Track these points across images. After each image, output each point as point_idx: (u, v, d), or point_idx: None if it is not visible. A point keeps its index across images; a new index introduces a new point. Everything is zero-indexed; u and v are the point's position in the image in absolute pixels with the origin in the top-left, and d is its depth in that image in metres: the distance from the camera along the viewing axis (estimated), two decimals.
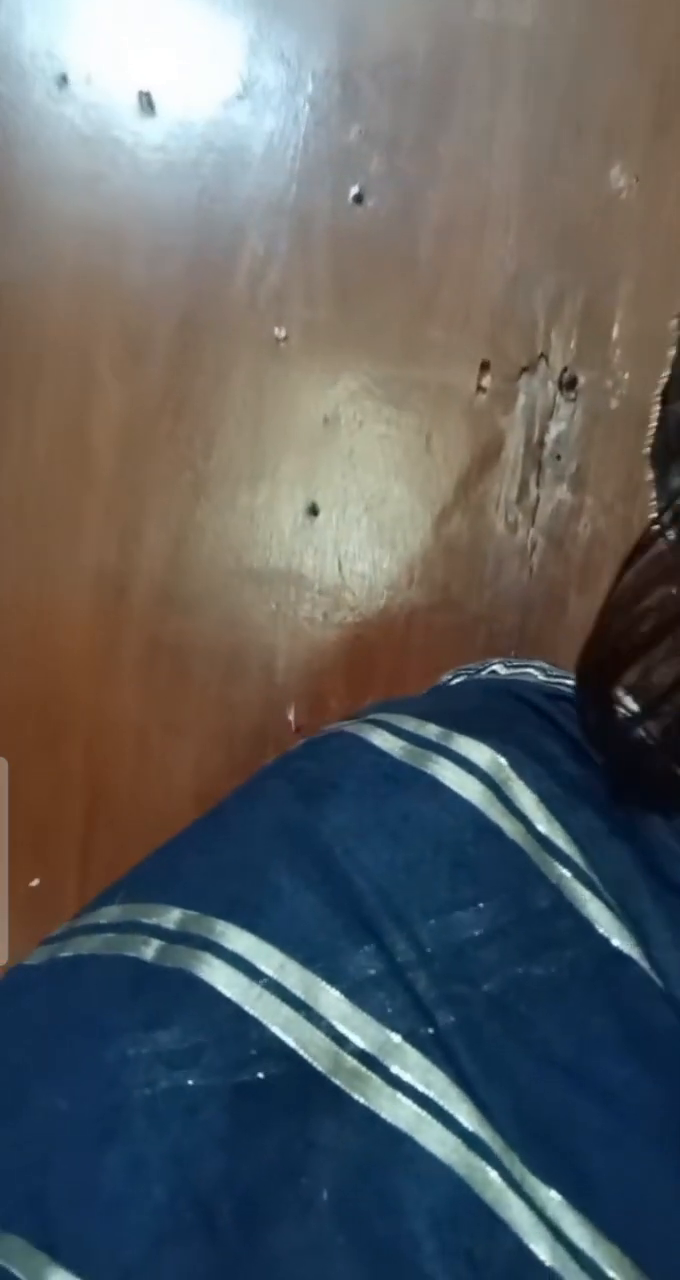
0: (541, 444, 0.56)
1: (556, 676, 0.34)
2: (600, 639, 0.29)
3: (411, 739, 0.28)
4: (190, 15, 0.54)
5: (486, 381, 0.54)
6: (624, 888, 0.26)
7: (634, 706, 0.29)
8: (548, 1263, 0.21)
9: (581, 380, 0.55)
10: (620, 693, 0.29)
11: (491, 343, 0.54)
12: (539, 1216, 0.22)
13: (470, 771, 0.27)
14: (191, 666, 0.59)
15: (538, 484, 0.56)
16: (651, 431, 0.29)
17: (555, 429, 0.56)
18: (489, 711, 0.30)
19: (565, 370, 0.55)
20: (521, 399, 0.55)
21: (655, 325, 0.55)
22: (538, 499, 0.56)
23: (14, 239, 0.56)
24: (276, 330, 0.55)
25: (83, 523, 0.59)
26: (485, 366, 0.54)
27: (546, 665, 0.35)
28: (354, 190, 0.54)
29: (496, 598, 0.55)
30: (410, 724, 0.29)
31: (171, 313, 0.56)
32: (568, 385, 0.55)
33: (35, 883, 0.63)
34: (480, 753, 0.28)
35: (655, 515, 0.29)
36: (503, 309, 0.54)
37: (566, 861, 0.26)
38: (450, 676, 0.38)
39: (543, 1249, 0.22)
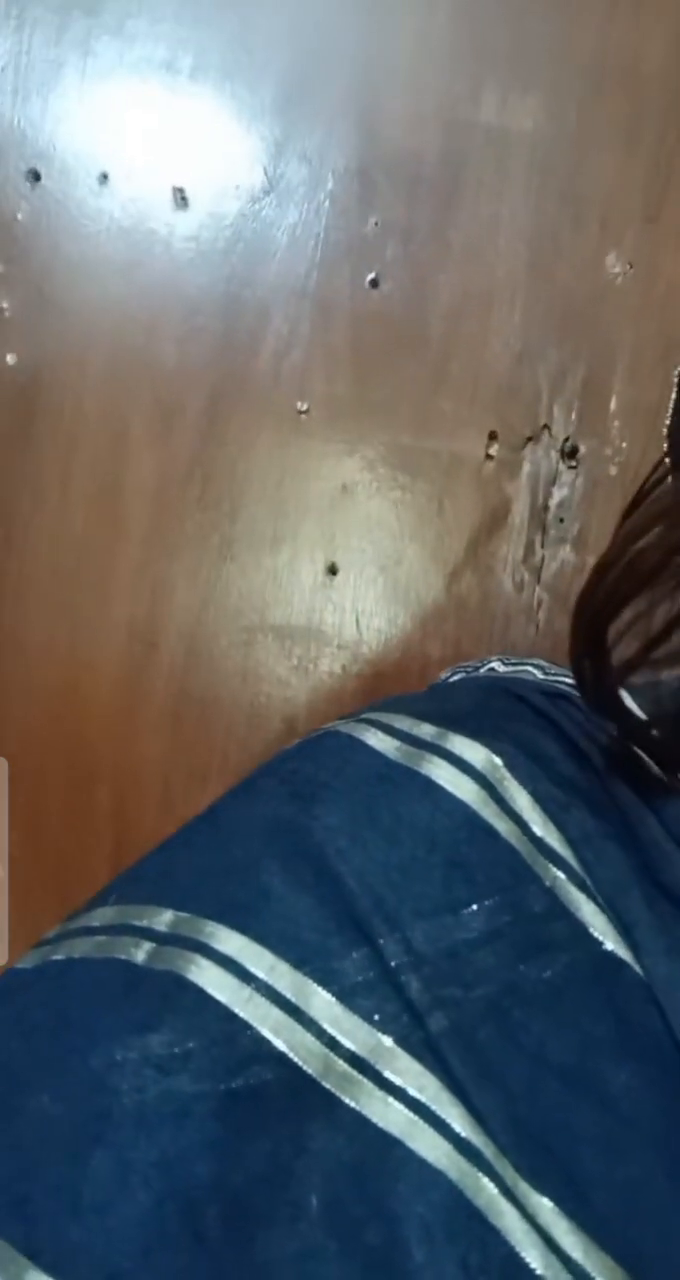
0: (546, 508, 0.60)
1: (555, 674, 0.33)
2: (597, 581, 0.28)
3: (406, 738, 0.28)
4: (221, 118, 0.59)
5: (494, 450, 0.58)
6: (617, 892, 0.25)
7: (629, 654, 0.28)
8: (539, 1271, 0.21)
9: (582, 449, 0.59)
10: (619, 653, 0.28)
11: (498, 415, 0.58)
12: (531, 1224, 0.21)
13: (465, 771, 0.27)
14: (216, 717, 0.62)
15: (542, 545, 0.60)
16: (671, 410, 0.29)
17: (558, 494, 0.60)
18: (485, 710, 0.29)
19: (567, 440, 0.59)
20: (527, 466, 0.59)
21: (650, 398, 0.59)
22: (543, 559, 0.60)
23: (56, 321, 0.61)
24: (298, 404, 0.59)
25: (115, 581, 0.63)
26: (493, 436, 0.58)
27: (545, 663, 0.34)
28: (371, 276, 0.58)
29: (505, 652, 0.58)
30: (404, 723, 0.28)
31: (201, 388, 0.60)
32: (570, 454, 0.59)
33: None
34: (475, 752, 0.27)
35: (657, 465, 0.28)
36: (509, 383, 0.58)
37: (561, 864, 0.26)
38: (449, 674, 0.37)
39: (534, 1257, 0.21)
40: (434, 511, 0.59)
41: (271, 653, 0.61)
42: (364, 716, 0.29)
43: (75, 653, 0.64)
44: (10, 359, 0.61)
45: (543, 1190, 0.22)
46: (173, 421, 0.61)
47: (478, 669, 0.37)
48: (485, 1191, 0.22)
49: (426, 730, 0.28)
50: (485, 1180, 0.22)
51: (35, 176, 0.60)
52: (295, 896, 0.24)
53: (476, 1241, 0.21)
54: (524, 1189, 0.22)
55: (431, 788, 0.26)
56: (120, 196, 0.60)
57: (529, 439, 0.59)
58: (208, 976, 0.23)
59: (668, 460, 0.29)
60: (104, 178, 0.60)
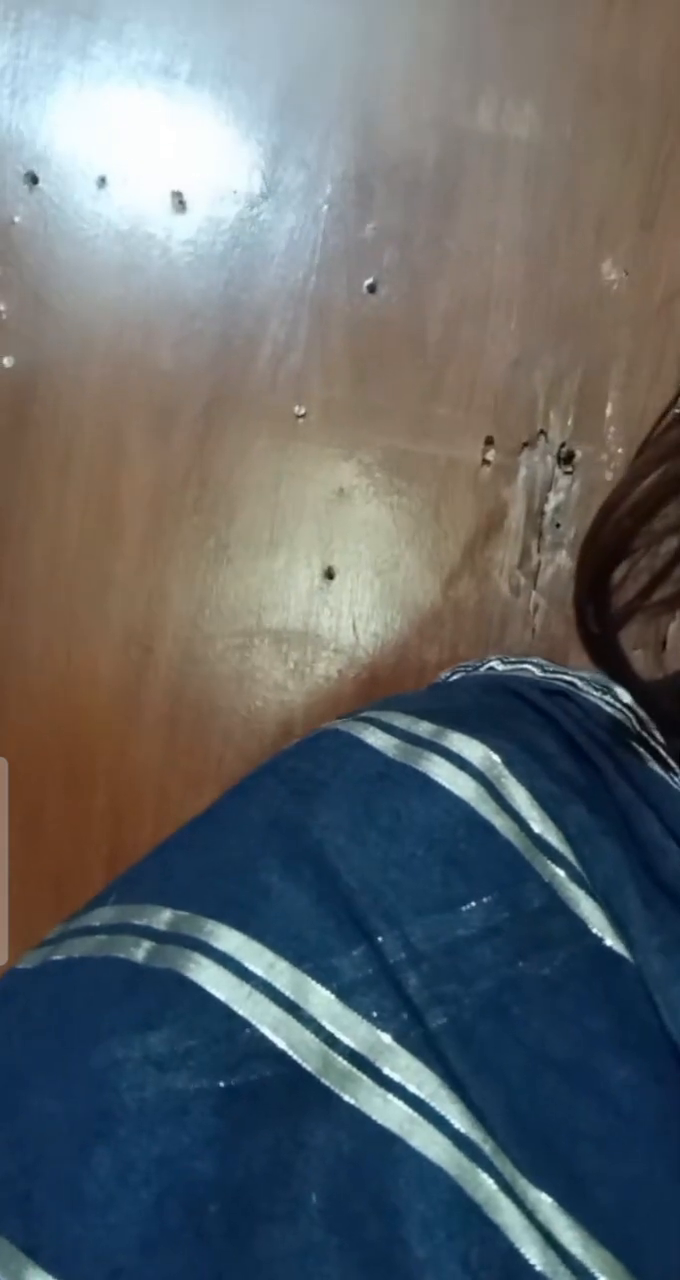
0: (542, 513, 0.60)
1: (553, 672, 0.33)
2: (602, 521, 0.28)
3: (404, 736, 0.28)
4: (219, 123, 0.59)
5: (490, 455, 0.59)
6: (612, 888, 0.25)
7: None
8: (539, 1267, 0.21)
9: (578, 454, 0.60)
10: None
11: (495, 420, 0.59)
12: (530, 1220, 0.21)
13: (463, 768, 0.27)
14: (212, 722, 0.62)
15: (539, 550, 0.60)
16: None
17: (554, 499, 0.60)
18: (484, 708, 0.30)
19: (563, 445, 0.59)
20: (523, 472, 0.59)
21: (645, 404, 0.59)
22: (539, 564, 0.60)
23: (53, 325, 0.61)
24: (296, 409, 0.60)
25: (112, 586, 0.62)
26: (489, 442, 0.59)
27: (544, 661, 0.35)
28: (368, 281, 0.59)
29: (504, 651, 0.58)
30: (403, 721, 0.28)
31: (198, 393, 0.60)
32: (566, 459, 0.60)
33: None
34: (473, 749, 0.27)
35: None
36: (505, 389, 0.59)
37: (560, 860, 0.26)
38: (449, 674, 0.37)
39: (534, 1253, 0.21)
40: (431, 516, 0.59)
41: (268, 657, 0.61)
42: (363, 715, 0.29)
43: (72, 658, 0.64)
44: (7, 362, 0.61)
45: (542, 1186, 0.22)
46: (169, 426, 0.61)
47: (477, 668, 0.37)
48: (485, 1187, 0.22)
49: (425, 728, 0.28)
50: (484, 1176, 0.22)
51: (33, 180, 0.60)
52: (294, 894, 0.24)
53: (476, 1238, 0.21)
54: (523, 1185, 0.22)
55: (430, 785, 0.26)
56: (118, 200, 0.60)
57: (525, 444, 0.59)
58: (207, 974, 0.23)
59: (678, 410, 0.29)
60: (102, 181, 0.60)
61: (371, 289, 0.59)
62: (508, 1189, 0.22)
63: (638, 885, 0.26)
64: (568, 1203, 0.22)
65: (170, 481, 0.61)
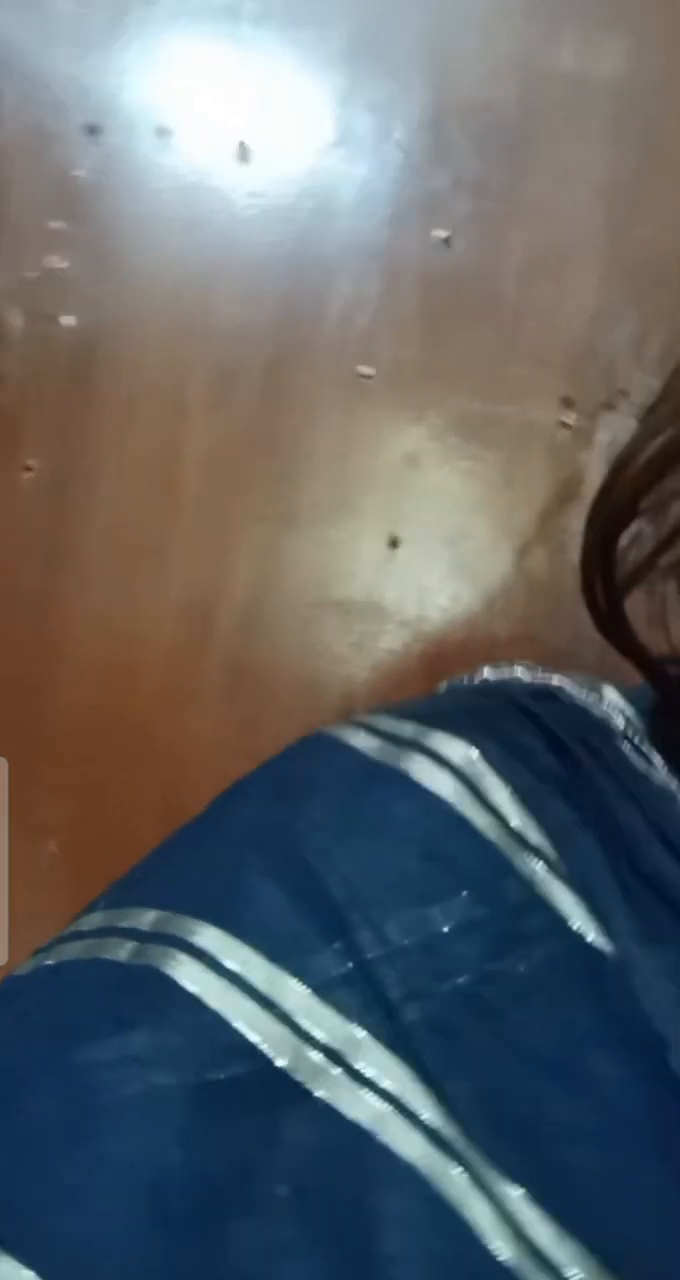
0: None
1: (542, 675, 0.34)
2: (613, 481, 0.29)
3: (387, 737, 0.29)
4: (286, 69, 0.56)
5: (568, 418, 0.55)
6: (591, 879, 0.26)
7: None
8: (505, 1259, 0.21)
9: None
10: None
11: (573, 380, 0.55)
12: (500, 1213, 0.22)
13: (443, 766, 0.27)
14: (273, 694, 0.60)
15: None
16: None
17: None
18: (468, 709, 0.30)
19: (646, 407, 0.56)
20: (602, 435, 0.56)
21: None
22: None
23: (114, 281, 0.59)
24: (363, 369, 0.57)
25: (170, 552, 0.61)
26: (567, 403, 0.55)
27: (532, 665, 0.36)
28: (442, 234, 0.56)
29: (577, 632, 0.55)
30: (387, 724, 0.29)
31: (262, 352, 0.58)
32: None
33: None
34: (453, 747, 0.27)
35: None
36: (585, 347, 0.55)
37: (539, 855, 0.26)
38: (444, 685, 0.39)
39: (502, 1246, 0.21)
40: (503, 482, 0.56)
41: (330, 629, 0.59)
42: (352, 719, 0.30)
43: (129, 627, 0.62)
44: (68, 320, 0.60)
45: (512, 1178, 0.22)
46: (232, 387, 0.59)
47: (472, 679, 0.37)
48: (456, 1182, 0.22)
49: (408, 729, 0.29)
50: (456, 1171, 0.22)
51: (95, 132, 0.58)
52: (273, 892, 0.25)
53: (446, 1232, 0.21)
54: (493, 1178, 0.22)
55: (410, 783, 0.27)
56: (181, 152, 0.57)
57: (605, 406, 0.56)
58: (184, 970, 0.24)
59: None
60: (165, 132, 0.57)
61: (445, 242, 0.56)
62: (479, 1182, 0.22)
63: (618, 876, 0.26)
64: (540, 1195, 0.22)
65: (232, 445, 0.59)
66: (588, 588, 0.31)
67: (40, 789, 0.65)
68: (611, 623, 0.31)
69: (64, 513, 0.62)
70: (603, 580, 0.30)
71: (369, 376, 0.57)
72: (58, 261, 0.59)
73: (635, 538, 0.30)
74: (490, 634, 0.57)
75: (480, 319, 0.56)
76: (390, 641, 0.58)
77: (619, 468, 0.29)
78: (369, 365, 0.57)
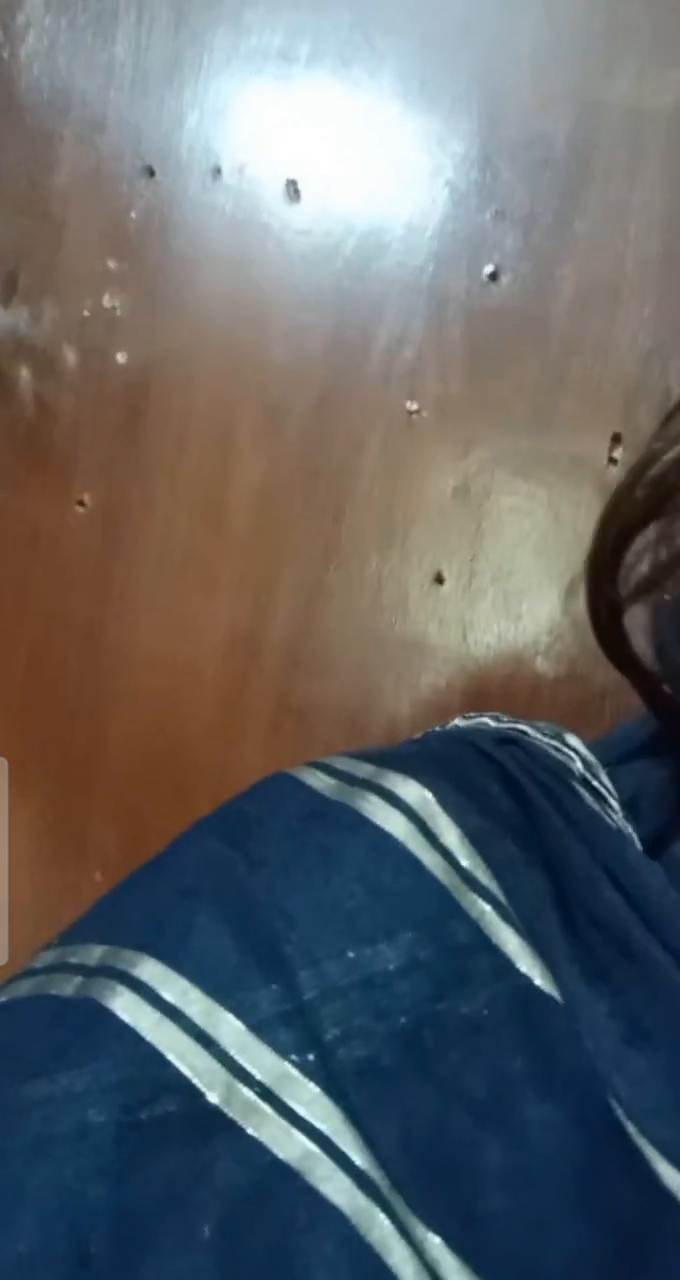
0: None
1: (509, 723, 0.34)
2: (623, 497, 0.29)
3: (343, 777, 0.29)
4: (337, 108, 0.57)
5: (618, 454, 0.54)
6: (537, 920, 0.25)
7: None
8: None
9: None
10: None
11: (623, 416, 0.54)
12: (420, 1261, 0.21)
13: (395, 806, 0.27)
14: (315, 728, 0.60)
15: None
16: None
17: None
18: (431, 754, 0.30)
19: None
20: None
21: None
22: None
23: (167, 319, 0.60)
24: (409, 404, 0.57)
25: (219, 585, 0.61)
26: (617, 439, 0.54)
27: (501, 714, 0.35)
28: (489, 269, 0.55)
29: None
30: (345, 764, 0.29)
31: (310, 387, 0.58)
32: None
33: None
34: (407, 788, 0.27)
35: None
36: (636, 383, 0.54)
37: (487, 896, 0.26)
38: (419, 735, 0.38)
39: None
40: (550, 519, 0.55)
41: (372, 665, 0.58)
42: (312, 760, 0.30)
43: (178, 659, 0.62)
44: (121, 358, 0.61)
45: (432, 1226, 0.22)
46: (281, 422, 0.59)
47: (443, 728, 0.37)
48: (380, 1227, 0.22)
49: (364, 769, 0.29)
50: (381, 1215, 0.22)
51: (150, 173, 0.59)
52: (217, 928, 0.25)
53: (368, 1278, 0.21)
54: (413, 1223, 0.22)
55: (360, 821, 0.27)
56: (233, 191, 0.58)
57: None
58: (121, 1002, 0.24)
59: None
60: (217, 172, 0.58)
61: (492, 276, 0.55)
62: (401, 1228, 0.22)
63: (565, 916, 0.25)
64: (458, 1243, 0.22)
65: (280, 479, 0.59)
66: (592, 597, 0.30)
67: (88, 817, 0.65)
68: (611, 635, 0.31)
69: (115, 546, 0.63)
70: (606, 591, 0.30)
71: (416, 411, 0.56)
72: (111, 300, 0.60)
73: (641, 553, 0.30)
74: (535, 673, 0.56)
75: (528, 354, 0.55)
76: (433, 678, 0.57)
77: (627, 485, 0.29)
78: (415, 400, 0.56)
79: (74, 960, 0.26)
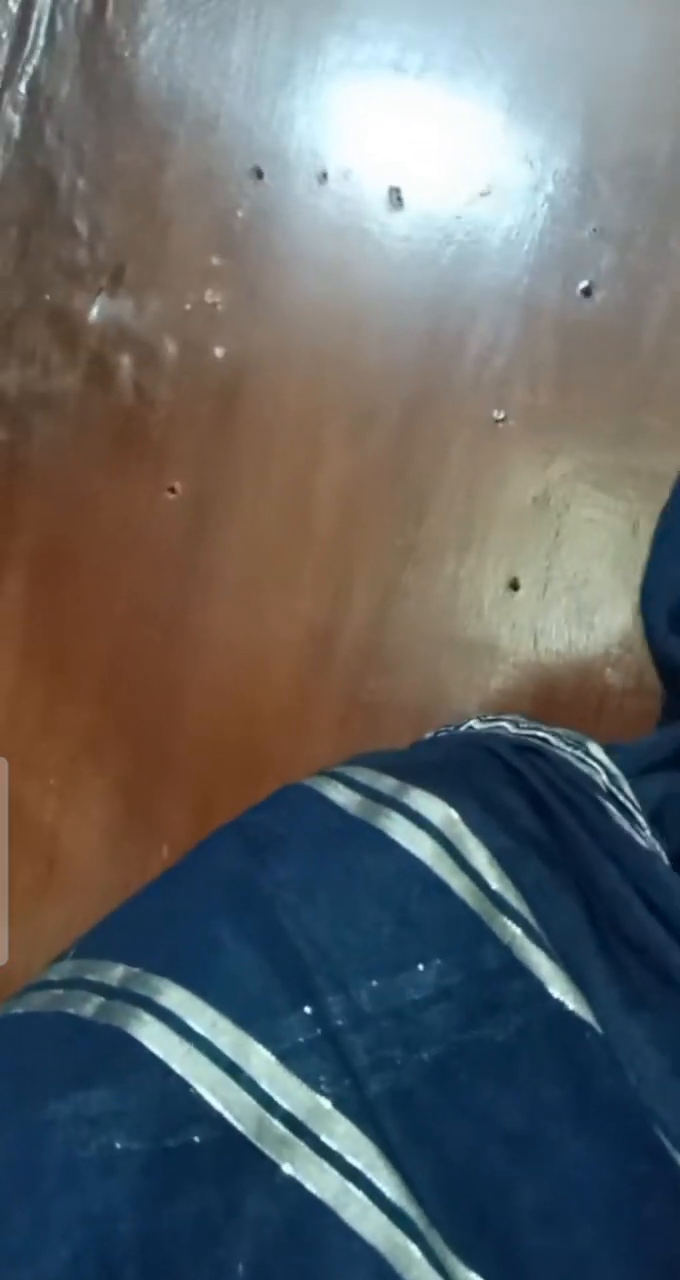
0: None
1: (528, 729, 0.33)
2: None
3: (365, 792, 0.28)
4: (445, 118, 0.58)
5: None
6: (570, 944, 0.25)
7: None
8: None
9: None
10: None
11: None
12: None
13: (421, 826, 0.26)
14: (384, 726, 0.61)
15: None
16: None
17: None
18: (451, 764, 0.29)
19: None
20: None
21: None
22: None
23: (265, 317, 0.62)
24: (496, 412, 0.57)
25: (298, 580, 0.62)
26: None
27: (519, 718, 0.34)
28: (583, 284, 0.56)
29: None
30: (365, 776, 0.28)
31: (400, 392, 0.59)
32: None
33: None
34: (433, 807, 0.27)
35: None
36: None
37: (518, 919, 0.25)
38: (431, 734, 0.37)
39: None
40: (628, 533, 0.56)
41: (445, 665, 0.59)
42: (329, 770, 0.30)
43: (254, 651, 0.64)
44: (219, 352, 0.63)
45: (471, 1264, 0.21)
46: (369, 423, 0.60)
47: (458, 728, 0.36)
48: (417, 1265, 0.21)
49: (387, 784, 0.28)
50: (416, 1253, 0.21)
51: (258, 174, 0.61)
52: (241, 952, 0.25)
53: None
54: (453, 1262, 0.21)
55: (386, 843, 0.26)
56: (337, 195, 0.60)
57: None
58: (148, 1031, 0.23)
59: None
60: (323, 176, 0.60)
61: (586, 292, 0.56)
62: (438, 1266, 0.21)
63: (599, 939, 0.25)
64: None
65: (365, 479, 0.61)
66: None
67: (159, 794, 0.67)
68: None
69: (202, 535, 0.65)
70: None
71: (502, 420, 0.57)
72: (213, 295, 0.62)
73: None
74: (604, 683, 0.56)
75: (617, 369, 0.55)
76: (502, 682, 0.58)
77: None
78: (503, 409, 0.57)
79: (92, 978, 0.25)
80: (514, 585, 0.57)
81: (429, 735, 0.37)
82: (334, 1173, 0.22)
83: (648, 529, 0.55)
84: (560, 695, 0.57)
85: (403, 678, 0.60)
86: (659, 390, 0.55)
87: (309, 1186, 0.22)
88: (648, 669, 0.55)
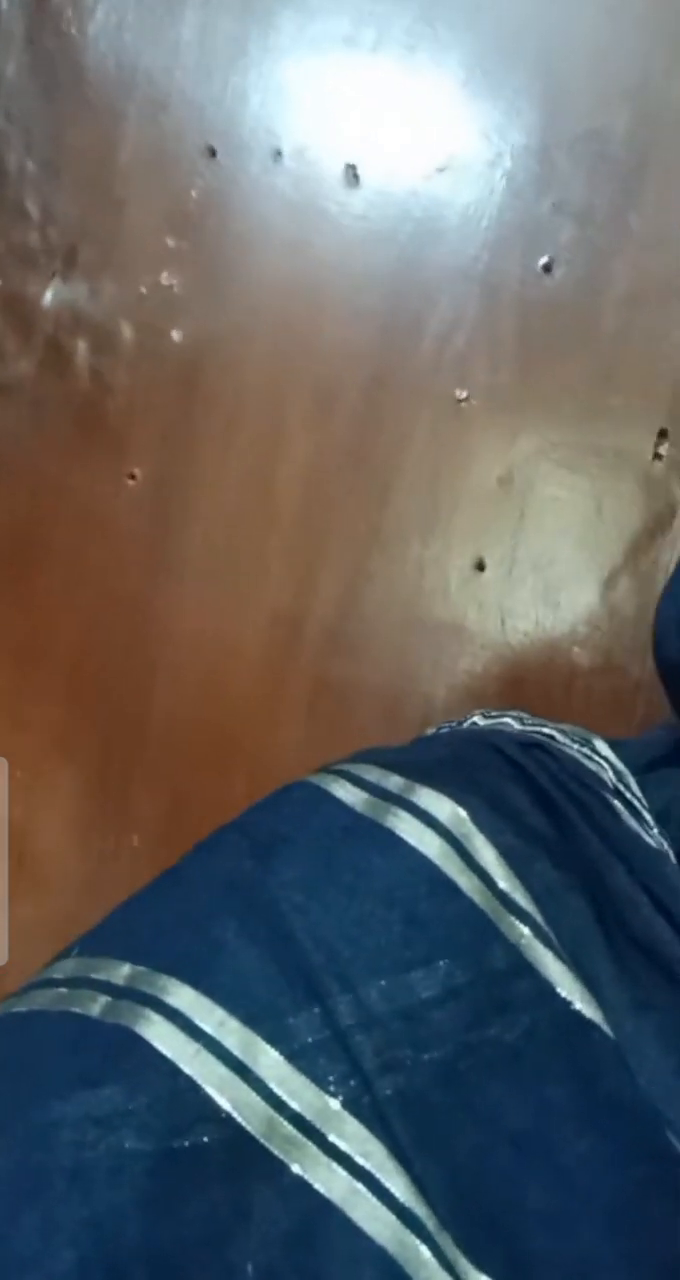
0: None
1: (533, 725, 0.33)
2: None
3: (373, 790, 0.28)
4: (400, 94, 0.57)
5: (663, 449, 0.54)
6: (580, 945, 0.25)
7: None
8: None
9: None
10: None
11: (671, 412, 0.54)
12: None
13: (429, 825, 0.26)
14: (353, 709, 0.61)
15: None
16: None
17: None
18: (458, 761, 0.29)
19: None
20: None
21: None
22: None
23: (222, 297, 0.61)
24: (458, 392, 0.57)
25: (264, 565, 0.62)
26: (663, 435, 0.54)
27: (523, 714, 0.34)
28: (543, 260, 0.55)
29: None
30: (373, 774, 0.28)
31: (360, 372, 0.59)
32: None
33: None
34: (441, 806, 0.27)
35: None
36: None
37: (527, 919, 0.25)
38: (434, 730, 0.37)
39: None
40: (593, 511, 0.56)
41: (411, 647, 0.59)
42: (335, 767, 0.29)
43: (221, 638, 0.64)
44: (176, 335, 0.62)
45: (482, 1265, 0.21)
46: (331, 404, 0.60)
47: (461, 724, 0.36)
48: (426, 1265, 0.21)
49: (394, 782, 0.28)
50: (426, 1254, 0.21)
51: (212, 153, 0.60)
52: (248, 952, 0.24)
53: None
54: (463, 1264, 0.21)
55: (394, 841, 0.26)
56: (293, 173, 0.59)
57: None
58: (156, 1031, 0.23)
59: None
60: (278, 154, 0.59)
61: (546, 268, 0.55)
62: (449, 1268, 0.21)
63: (608, 941, 0.25)
64: None
65: (328, 461, 0.60)
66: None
67: (129, 783, 0.67)
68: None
69: (165, 521, 0.64)
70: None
71: (465, 399, 0.57)
72: (169, 278, 0.61)
73: None
74: (571, 662, 0.56)
75: (579, 346, 0.55)
76: (470, 663, 0.58)
77: None
78: (464, 388, 0.57)
79: (98, 977, 0.25)
80: (480, 566, 0.57)
81: (430, 731, 0.37)
82: (343, 1173, 0.22)
83: (612, 507, 0.55)
84: (528, 675, 0.57)
85: (371, 661, 0.60)
86: (620, 367, 0.55)
87: (318, 1187, 0.22)
88: (615, 648, 0.56)
